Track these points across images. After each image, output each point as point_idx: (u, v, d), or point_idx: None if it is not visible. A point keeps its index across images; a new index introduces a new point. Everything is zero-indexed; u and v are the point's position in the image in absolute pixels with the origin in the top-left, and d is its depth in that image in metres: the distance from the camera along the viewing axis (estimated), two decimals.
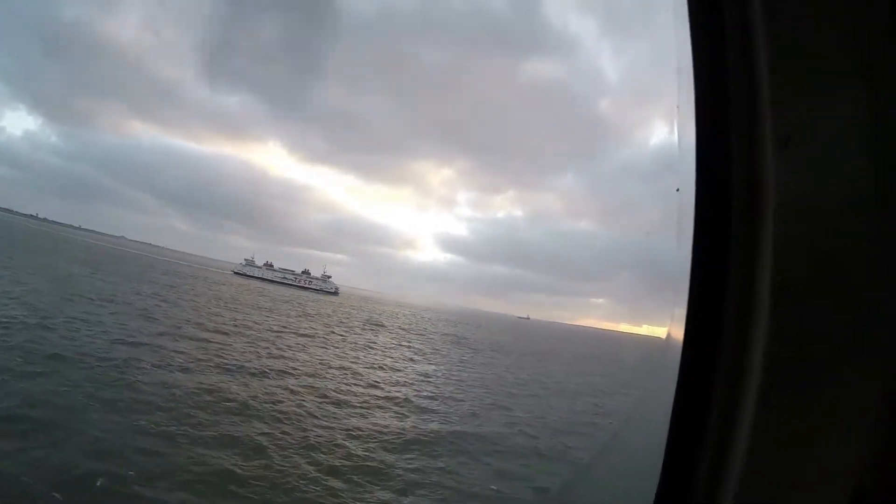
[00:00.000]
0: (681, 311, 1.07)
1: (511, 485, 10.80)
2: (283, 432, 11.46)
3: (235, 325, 27.43)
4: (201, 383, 13.93)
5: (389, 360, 26.00)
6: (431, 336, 47.68)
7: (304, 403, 14.12)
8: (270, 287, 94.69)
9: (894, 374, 0.93)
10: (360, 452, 11.08)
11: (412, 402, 16.82)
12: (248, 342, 22.61)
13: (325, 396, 15.35)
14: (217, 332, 23.76)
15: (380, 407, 15.48)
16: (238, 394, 13.67)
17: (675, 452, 1.08)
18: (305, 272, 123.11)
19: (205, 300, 39.75)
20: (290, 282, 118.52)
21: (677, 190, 1.15)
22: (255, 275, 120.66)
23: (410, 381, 20.61)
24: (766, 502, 0.97)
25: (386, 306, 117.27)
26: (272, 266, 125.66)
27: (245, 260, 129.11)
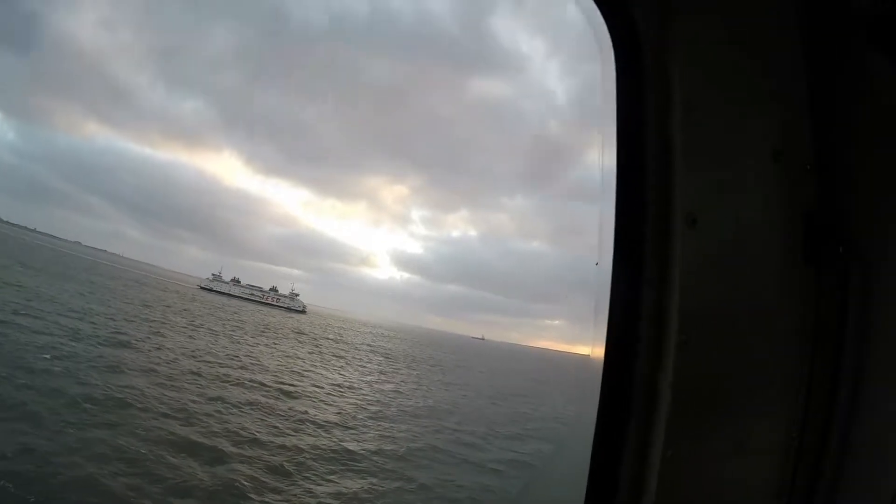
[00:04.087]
0: (601, 333, 1.19)
1: None
2: None
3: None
4: None
5: None
6: None
7: None
8: (247, 305, 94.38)
9: (797, 401, 1.08)
10: None
11: None
12: None
13: None
14: None
15: None
16: None
17: (599, 460, 1.18)
18: (273, 289, 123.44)
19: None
20: (257, 298, 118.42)
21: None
22: (223, 290, 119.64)
23: None
24: None
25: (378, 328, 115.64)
26: (239, 282, 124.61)
27: (213, 275, 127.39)
